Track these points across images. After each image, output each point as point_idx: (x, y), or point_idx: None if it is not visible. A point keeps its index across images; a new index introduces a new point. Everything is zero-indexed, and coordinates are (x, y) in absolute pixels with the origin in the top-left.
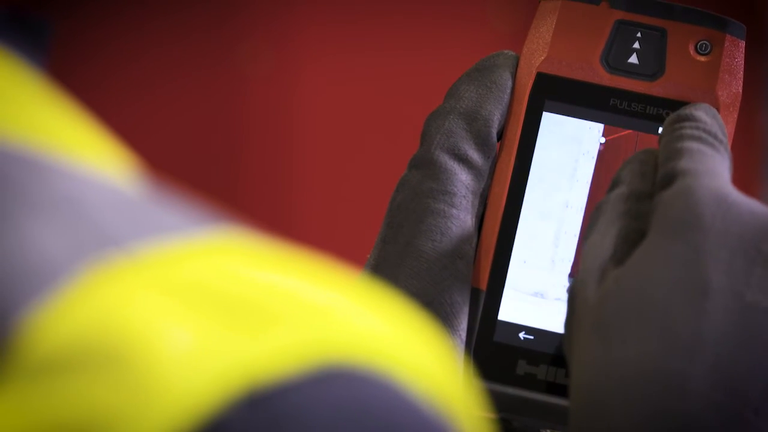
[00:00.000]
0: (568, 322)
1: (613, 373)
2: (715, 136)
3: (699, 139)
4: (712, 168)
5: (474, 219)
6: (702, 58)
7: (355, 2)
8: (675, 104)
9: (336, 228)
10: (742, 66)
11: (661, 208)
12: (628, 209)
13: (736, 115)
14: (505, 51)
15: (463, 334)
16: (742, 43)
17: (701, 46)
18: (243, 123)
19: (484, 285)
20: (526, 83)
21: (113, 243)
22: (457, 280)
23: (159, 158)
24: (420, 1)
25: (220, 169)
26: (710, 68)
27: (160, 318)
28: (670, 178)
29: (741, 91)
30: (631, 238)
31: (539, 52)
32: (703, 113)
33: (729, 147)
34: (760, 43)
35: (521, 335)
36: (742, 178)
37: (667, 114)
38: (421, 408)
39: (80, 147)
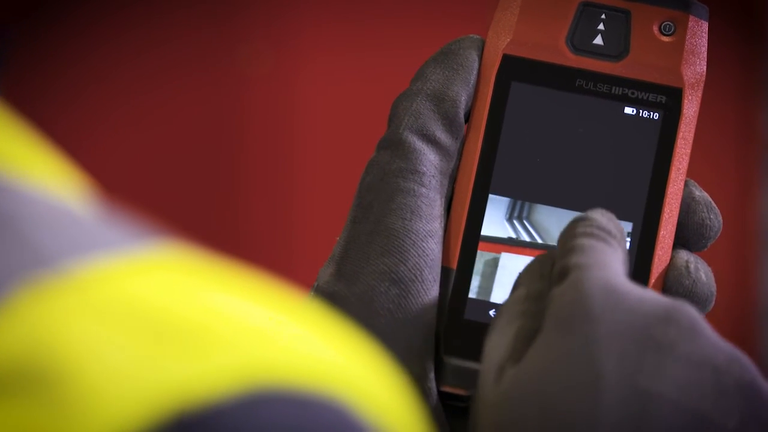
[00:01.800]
0: (473, 424)
1: None
2: (609, 232)
3: (591, 235)
4: (602, 260)
5: (443, 199)
6: (666, 39)
7: (355, 2)
8: (640, 84)
9: (336, 228)
10: (706, 46)
11: (553, 302)
12: (526, 309)
13: (700, 96)
14: (471, 35)
15: (434, 312)
16: (706, 24)
17: (665, 26)
18: (243, 123)
19: (454, 264)
20: (493, 65)
21: (46, 262)
22: (427, 259)
23: (159, 158)
24: (420, 1)
25: (220, 169)
26: (674, 48)
27: (90, 339)
28: (563, 274)
29: (705, 71)
30: (529, 336)
31: (505, 34)
32: (599, 214)
33: (624, 244)
34: (760, 43)
35: (491, 313)
36: (742, 178)
37: (633, 94)
38: (362, 429)
39: (17, 161)
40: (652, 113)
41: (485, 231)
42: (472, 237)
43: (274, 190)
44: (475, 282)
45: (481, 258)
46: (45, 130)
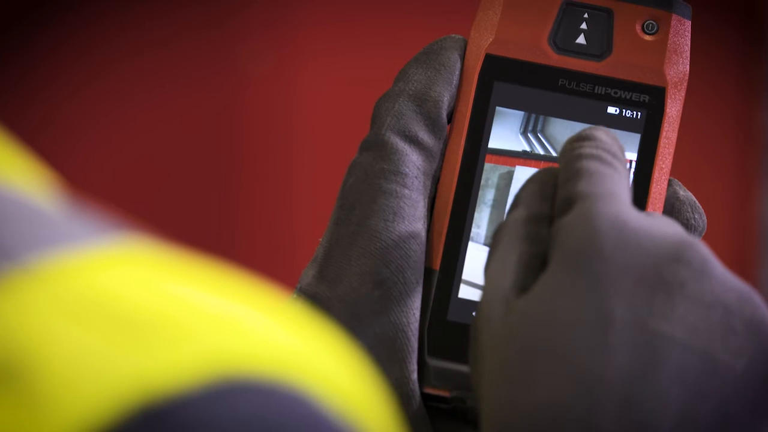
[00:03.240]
0: (473, 356)
1: (522, 419)
2: (615, 155)
3: (598, 159)
4: (611, 189)
5: (426, 200)
6: (649, 38)
7: (354, 3)
8: (623, 84)
9: None
10: (689, 45)
11: (561, 237)
12: (527, 232)
13: (683, 95)
14: (453, 35)
15: (417, 313)
16: (689, 23)
17: (648, 25)
18: (243, 123)
19: (437, 265)
20: (475, 65)
21: (8, 255)
22: (410, 260)
23: (158, 158)
24: (420, 1)
25: (220, 169)
26: (657, 47)
27: (54, 333)
28: (569, 202)
29: (688, 70)
30: (532, 263)
31: (487, 33)
32: (602, 133)
33: (628, 166)
34: (760, 43)
35: (474, 314)
36: (742, 178)
37: (615, 93)
38: (329, 420)
39: None
40: (635, 113)
41: (496, 144)
42: (456, 238)
43: (274, 190)
44: (458, 283)
45: (495, 171)
46: (45, 129)
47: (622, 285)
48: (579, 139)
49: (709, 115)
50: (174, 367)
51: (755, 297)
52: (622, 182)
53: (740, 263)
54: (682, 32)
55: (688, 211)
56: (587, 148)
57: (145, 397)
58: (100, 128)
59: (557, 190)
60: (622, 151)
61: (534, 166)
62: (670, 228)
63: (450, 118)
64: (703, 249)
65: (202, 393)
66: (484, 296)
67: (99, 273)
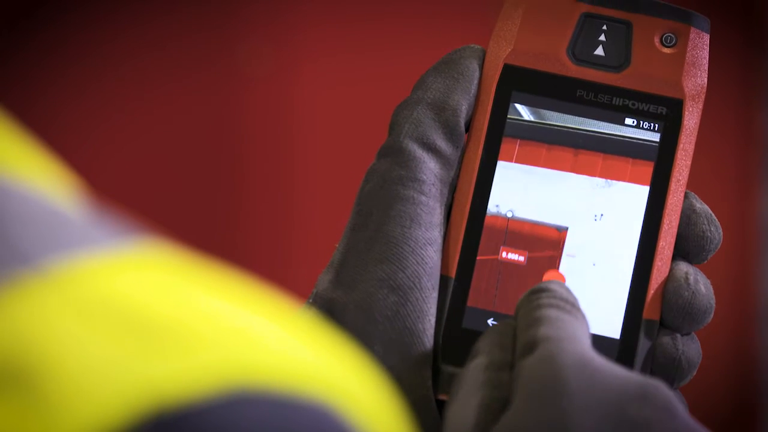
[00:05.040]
0: None
1: None
2: (572, 304)
3: (557, 307)
4: (573, 333)
5: (443, 207)
6: (667, 50)
7: (354, 2)
8: (640, 95)
9: (335, 229)
10: (707, 58)
11: (525, 375)
12: (488, 379)
13: (701, 107)
14: (472, 45)
15: (432, 320)
16: (707, 36)
17: (666, 38)
18: (243, 123)
19: (453, 272)
20: (494, 75)
21: (26, 259)
22: (426, 266)
23: (158, 158)
24: (420, 1)
25: (220, 169)
26: (675, 60)
27: (69, 338)
28: (531, 346)
29: (706, 83)
30: (493, 407)
31: (506, 44)
32: (557, 285)
33: (585, 315)
34: (760, 43)
35: (490, 322)
36: (743, 180)
37: (633, 105)
38: (344, 430)
39: (1, 157)
40: (652, 124)
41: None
42: (471, 246)
43: (274, 190)
44: (473, 290)
45: (480, 266)
46: (45, 130)
47: (587, 421)
48: (535, 291)
49: (709, 115)
50: (188, 375)
51: None
52: (582, 328)
53: (740, 263)
54: (700, 45)
55: (704, 224)
56: (545, 299)
57: (157, 404)
58: (100, 128)
59: (517, 339)
60: (577, 302)
61: None
62: (633, 373)
63: (468, 126)
64: (666, 390)
65: (216, 402)
66: None
67: (115, 277)
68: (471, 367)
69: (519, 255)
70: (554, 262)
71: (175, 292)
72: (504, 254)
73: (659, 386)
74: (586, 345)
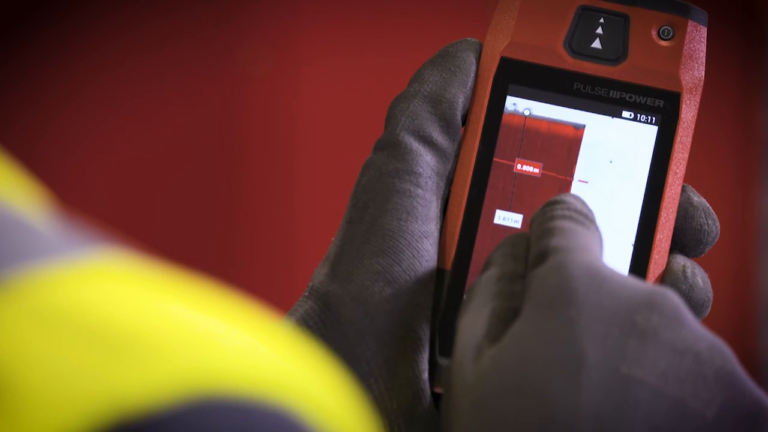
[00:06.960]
0: (445, 404)
1: None
2: (586, 216)
3: (570, 218)
4: (584, 244)
5: (439, 200)
6: (664, 43)
7: (354, 2)
8: (638, 88)
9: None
10: (705, 51)
11: (535, 284)
12: (500, 290)
13: (698, 101)
14: (468, 38)
15: (429, 313)
16: (704, 29)
17: (664, 31)
18: (243, 123)
19: (449, 265)
20: (490, 68)
21: None
22: (422, 259)
23: (158, 158)
24: (420, 1)
25: (221, 169)
26: (673, 53)
27: (29, 347)
28: (542, 256)
29: (703, 76)
30: (505, 316)
31: (503, 37)
32: (572, 198)
33: (599, 227)
34: (760, 43)
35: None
36: (742, 178)
37: (630, 98)
38: None
39: None
40: (649, 117)
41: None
42: (468, 239)
43: (274, 190)
44: (469, 283)
45: (476, 259)
46: (45, 129)
47: (595, 329)
48: (551, 203)
49: (709, 115)
50: (150, 383)
51: (725, 347)
52: (594, 240)
53: (740, 263)
54: (697, 38)
55: (701, 217)
56: (558, 210)
57: (119, 413)
58: (100, 128)
59: (530, 250)
60: (593, 215)
61: None
62: (642, 281)
63: (464, 119)
64: (675, 298)
65: (177, 409)
66: (456, 346)
67: (77, 287)
68: (483, 279)
69: None
70: None
71: (138, 300)
72: None
73: (667, 294)
74: (597, 255)
